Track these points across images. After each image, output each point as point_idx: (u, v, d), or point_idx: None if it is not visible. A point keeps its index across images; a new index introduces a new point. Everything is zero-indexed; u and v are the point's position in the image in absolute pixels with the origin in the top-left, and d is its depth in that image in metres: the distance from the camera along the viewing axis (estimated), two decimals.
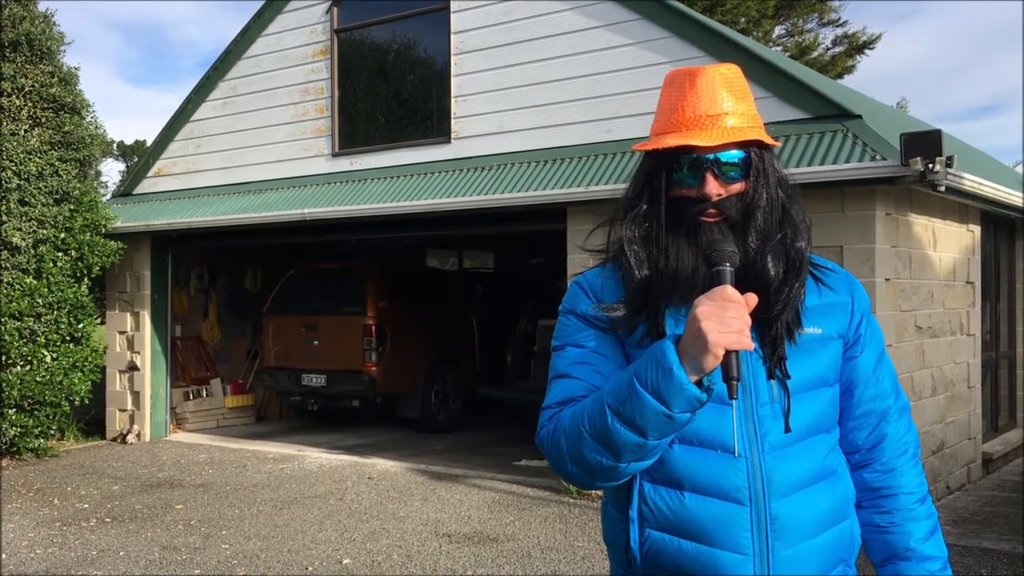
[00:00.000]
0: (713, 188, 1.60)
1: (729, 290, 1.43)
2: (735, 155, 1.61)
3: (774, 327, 1.61)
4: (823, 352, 1.69)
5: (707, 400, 1.43)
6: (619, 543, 1.70)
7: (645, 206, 1.66)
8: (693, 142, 1.58)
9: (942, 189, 6.38)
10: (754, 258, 1.59)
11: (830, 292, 1.73)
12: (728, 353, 1.40)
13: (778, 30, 22.94)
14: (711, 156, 1.60)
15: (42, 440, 9.55)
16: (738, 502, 1.58)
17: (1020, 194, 8.33)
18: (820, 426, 1.68)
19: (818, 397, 1.68)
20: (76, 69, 10.02)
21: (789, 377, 1.62)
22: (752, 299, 1.44)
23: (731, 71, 1.66)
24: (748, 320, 1.41)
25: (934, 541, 1.75)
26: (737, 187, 1.62)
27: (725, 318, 1.39)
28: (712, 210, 1.60)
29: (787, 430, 1.61)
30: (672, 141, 1.59)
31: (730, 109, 1.61)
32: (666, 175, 1.64)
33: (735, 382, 1.41)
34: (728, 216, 1.60)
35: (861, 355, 1.75)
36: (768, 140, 1.64)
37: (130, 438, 10.70)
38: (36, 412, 9.35)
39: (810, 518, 1.61)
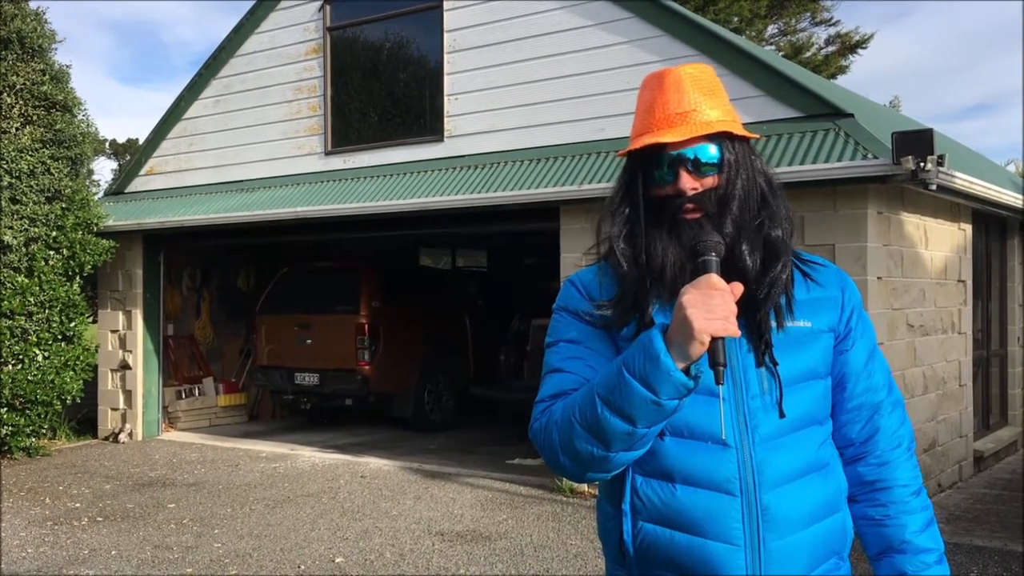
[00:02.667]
0: (687, 183, 1.64)
1: (714, 278, 1.45)
2: (707, 149, 1.65)
3: (759, 313, 1.63)
4: (814, 345, 1.70)
5: (694, 387, 1.46)
6: (613, 538, 1.72)
7: (626, 206, 1.70)
8: (662, 139, 1.62)
9: (934, 188, 6.40)
10: (731, 247, 1.61)
11: (819, 287, 1.75)
12: (714, 340, 1.42)
13: (771, 29, 22.98)
14: (688, 153, 1.64)
15: (34, 439, 9.52)
16: (729, 493, 1.60)
17: (1012, 193, 8.36)
18: (812, 418, 1.69)
19: (809, 389, 1.69)
20: (68, 67, 10.00)
21: (777, 364, 1.63)
22: (738, 288, 1.47)
23: (698, 70, 1.70)
24: (734, 307, 1.43)
25: (930, 534, 1.75)
26: (711, 180, 1.65)
27: (711, 305, 1.42)
28: (690, 205, 1.64)
29: (781, 415, 1.63)
30: (645, 141, 1.64)
31: (698, 106, 1.65)
32: (645, 175, 1.68)
33: (721, 368, 1.44)
34: (707, 211, 1.63)
35: (852, 349, 1.76)
36: (740, 131, 1.67)
37: (122, 437, 10.67)
38: (28, 411, 9.32)
39: (801, 510, 1.63)
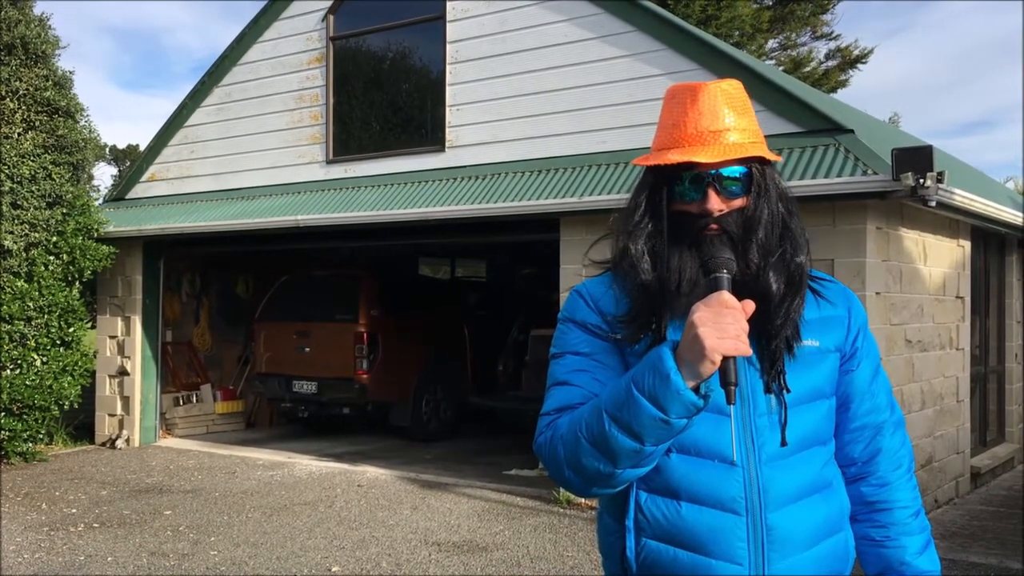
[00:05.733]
0: (715, 204, 1.61)
1: (726, 296, 1.44)
2: (737, 171, 1.62)
3: (774, 341, 1.62)
4: (821, 365, 1.70)
5: (704, 406, 1.44)
6: (614, 553, 1.71)
7: (648, 220, 1.67)
8: (695, 158, 1.58)
9: (933, 204, 6.42)
10: (756, 273, 1.60)
11: (828, 305, 1.74)
12: (726, 359, 1.41)
13: (771, 43, 23.05)
14: (713, 172, 1.61)
15: (31, 444, 9.51)
16: (735, 512, 1.59)
17: (1010, 210, 8.38)
18: (816, 438, 1.69)
19: (815, 409, 1.69)
20: (71, 73, 10.02)
21: (788, 391, 1.63)
22: (750, 306, 1.45)
23: (732, 87, 1.67)
24: (745, 326, 1.42)
25: (928, 555, 1.76)
26: (739, 202, 1.63)
27: (722, 324, 1.40)
28: (714, 225, 1.61)
29: (783, 443, 1.62)
30: (675, 157, 1.60)
31: (732, 125, 1.62)
32: (668, 190, 1.65)
33: (733, 388, 1.42)
34: (729, 231, 1.61)
35: (857, 369, 1.77)
36: (769, 156, 1.65)
37: (119, 443, 10.66)
38: (25, 416, 9.31)
39: (805, 530, 1.63)
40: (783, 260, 1.63)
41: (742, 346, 1.40)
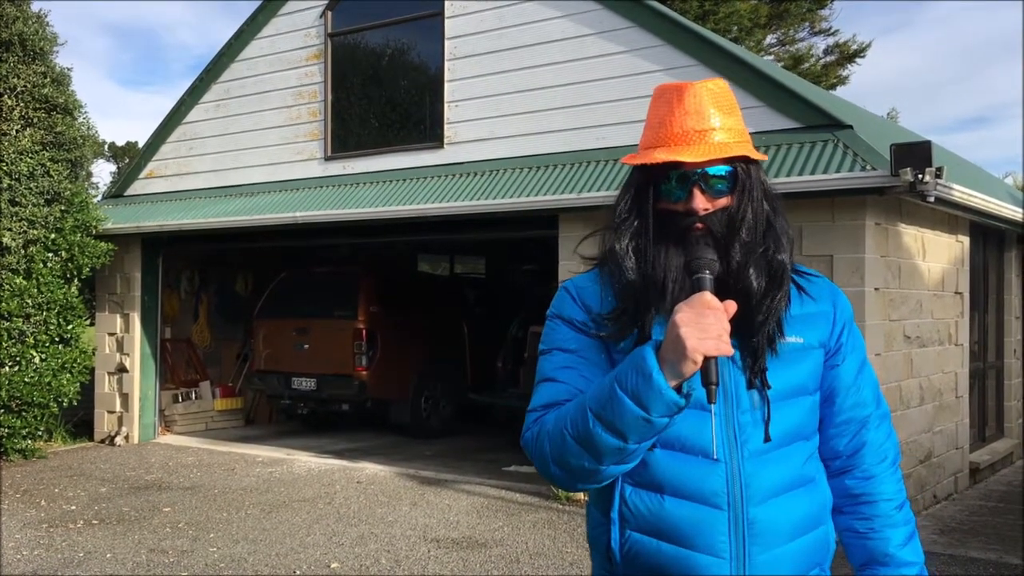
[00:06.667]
0: (700, 203, 1.63)
1: (708, 296, 1.45)
2: (722, 170, 1.63)
3: (756, 338, 1.64)
4: (804, 361, 1.71)
5: (685, 405, 1.46)
6: (601, 544, 1.74)
7: (634, 218, 1.68)
8: (681, 158, 1.60)
9: (932, 200, 6.42)
10: (737, 271, 1.62)
11: (812, 301, 1.75)
12: (707, 359, 1.42)
13: (770, 39, 23.03)
14: (699, 171, 1.63)
15: (30, 441, 9.51)
16: (716, 507, 1.61)
17: (1009, 206, 8.38)
18: (799, 434, 1.70)
19: (797, 405, 1.70)
20: (69, 70, 10.01)
21: (769, 387, 1.64)
22: (731, 306, 1.47)
23: (718, 86, 1.68)
24: (727, 326, 1.44)
25: (911, 547, 1.78)
26: (724, 201, 1.64)
27: (704, 324, 1.42)
28: (699, 224, 1.63)
29: (767, 439, 1.64)
30: (661, 156, 1.61)
31: (717, 124, 1.63)
32: (654, 188, 1.66)
33: (714, 387, 1.44)
34: (714, 230, 1.63)
35: (843, 364, 1.78)
36: (755, 155, 1.66)
37: (118, 440, 10.66)
38: (24, 413, 9.31)
39: (787, 524, 1.64)
40: (765, 257, 1.65)
41: (723, 346, 1.42)
